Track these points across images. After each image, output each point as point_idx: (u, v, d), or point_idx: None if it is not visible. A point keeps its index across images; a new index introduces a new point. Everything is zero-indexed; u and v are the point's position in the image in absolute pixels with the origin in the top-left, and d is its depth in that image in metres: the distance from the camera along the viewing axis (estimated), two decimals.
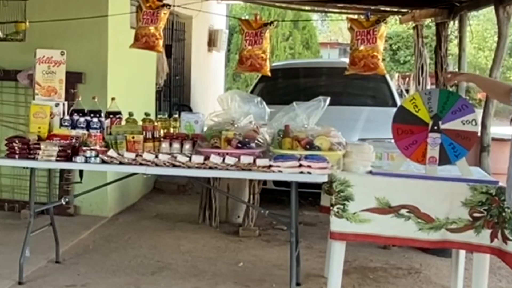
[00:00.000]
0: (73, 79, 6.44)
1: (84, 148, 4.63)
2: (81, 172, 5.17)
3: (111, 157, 4.56)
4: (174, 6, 6.08)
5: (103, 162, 4.60)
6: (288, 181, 4.52)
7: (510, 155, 3.53)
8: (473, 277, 4.44)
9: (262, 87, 8.83)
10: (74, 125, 4.95)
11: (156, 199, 8.12)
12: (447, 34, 8.69)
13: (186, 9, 7.79)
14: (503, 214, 4.09)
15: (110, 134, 4.88)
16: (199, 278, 5.17)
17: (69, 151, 4.65)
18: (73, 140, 4.75)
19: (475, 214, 4.17)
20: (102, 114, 5.06)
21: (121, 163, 4.58)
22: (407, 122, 4.42)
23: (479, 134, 4.70)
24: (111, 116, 5.11)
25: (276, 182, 6.87)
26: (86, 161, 4.60)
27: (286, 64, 11.22)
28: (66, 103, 5.17)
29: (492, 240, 4.15)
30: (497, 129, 6.69)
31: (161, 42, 5.46)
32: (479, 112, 4.65)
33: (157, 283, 5.05)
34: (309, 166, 4.28)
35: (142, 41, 5.44)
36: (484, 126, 6.17)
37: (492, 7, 6.34)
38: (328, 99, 4.68)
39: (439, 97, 4.36)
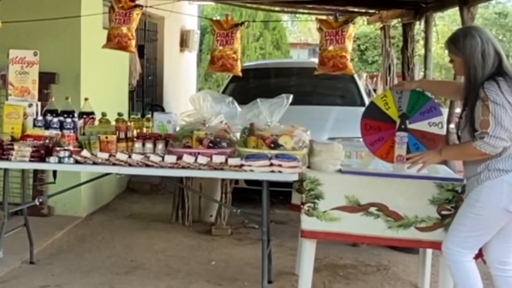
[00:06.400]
0: (46, 80, 6.41)
1: (58, 148, 4.60)
2: (54, 172, 5.13)
3: (85, 157, 4.54)
4: (146, 6, 6.10)
5: (77, 162, 4.56)
6: (259, 180, 4.52)
7: None
8: (440, 273, 4.54)
9: (234, 87, 8.88)
10: (47, 126, 4.92)
11: (130, 199, 8.13)
12: (414, 34, 8.81)
13: (158, 9, 7.80)
14: None
15: (84, 134, 4.86)
16: (173, 277, 5.20)
17: (42, 152, 4.62)
18: (47, 141, 4.72)
19: (443, 212, 4.25)
20: (76, 115, 5.05)
21: (94, 163, 4.55)
22: (376, 119, 4.48)
23: (444, 133, 4.80)
24: (84, 116, 5.08)
25: (247, 181, 6.89)
26: (59, 162, 4.56)
27: (257, 65, 11.29)
28: (39, 103, 5.15)
29: None
30: None
31: (133, 42, 5.46)
32: (445, 112, 4.74)
33: (131, 282, 5.07)
34: (280, 165, 4.30)
35: (114, 42, 5.44)
36: (449, 124, 6.29)
37: (457, 8, 6.46)
38: (291, 96, 4.70)
39: (410, 97, 4.41)
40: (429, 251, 4.95)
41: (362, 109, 4.81)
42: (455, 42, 3.84)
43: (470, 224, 3.79)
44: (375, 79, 16.69)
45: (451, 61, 3.95)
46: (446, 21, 20.20)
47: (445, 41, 3.98)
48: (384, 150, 4.46)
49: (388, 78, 9.69)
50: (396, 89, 4.51)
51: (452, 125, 6.17)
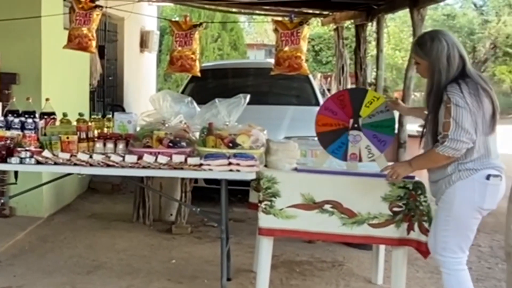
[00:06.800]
0: (7, 80, 6.41)
1: (19, 149, 4.56)
2: (16, 173, 5.10)
3: (46, 158, 4.50)
4: (106, 7, 6.10)
5: (38, 163, 4.53)
6: (218, 179, 4.57)
7: None
8: (393, 269, 4.65)
9: (193, 87, 8.95)
10: (8, 126, 4.89)
11: (91, 199, 8.13)
12: (366, 35, 9.01)
13: (118, 10, 7.81)
14: (421, 207, 4.30)
15: (45, 134, 4.84)
16: (134, 276, 5.23)
17: (3, 152, 4.56)
18: (8, 141, 4.65)
19: (395, 209, 4.36)
20: (37, 115, 5.03)
21: (56, 163, 4.52)
22: (352, 102, 4.57)
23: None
24: (45, 116, 5.07)
25: (206, 180, 6.94)
26: (21, 162, 4.52)
27: (215, 65, 11.40)
28: (0, 104, 5.16)
29: (408, 233, 4.35)
30: (413, 126, 6.93)
31: (94, 43, 5.50)
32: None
33: (93, 282, 5.08)
34: (238, 164, 4.34)
35: (75, 42, 5.46)
36: (400, 123, 6.46)
37: (407, 10, 6.65)
38: (248, 96, 4.80)
39: (387, 119, 4.53)
40: (382, 247, 5.05)
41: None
42: (422, 46, 3.90)
43: (452, 227, 3.83)
44: (329, 79, 16.93)
45: (416, 63, 4.04)
46: (397, 22, 20.53)
47: (412, 44, 4.06)
48: (323, 120, 4.61)
49: (342, 78, 9.91)
50: (388, 104, 4.59)
51: (418, 127, 6.29)
